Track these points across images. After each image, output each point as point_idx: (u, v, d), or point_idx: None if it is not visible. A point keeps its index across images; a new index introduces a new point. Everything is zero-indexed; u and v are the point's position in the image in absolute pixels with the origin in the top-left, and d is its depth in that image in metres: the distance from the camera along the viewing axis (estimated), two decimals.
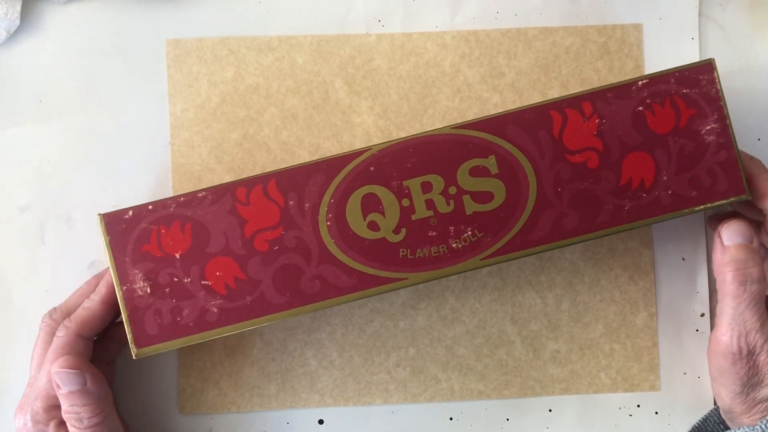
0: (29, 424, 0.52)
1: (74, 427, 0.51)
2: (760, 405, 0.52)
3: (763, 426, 0.51)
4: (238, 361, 0.60)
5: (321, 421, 0.61)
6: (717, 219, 0.60)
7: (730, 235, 0.53)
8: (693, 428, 0.59)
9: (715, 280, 0.60)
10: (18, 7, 0.59)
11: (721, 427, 0.58)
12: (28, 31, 0.60)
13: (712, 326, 0.61)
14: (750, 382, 0.52)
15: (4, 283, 0.60)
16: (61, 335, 0.52)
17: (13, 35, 0.60)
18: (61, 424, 0.52)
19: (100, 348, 0.57)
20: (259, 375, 0.60)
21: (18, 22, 0.59)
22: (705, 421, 0.58)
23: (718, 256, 0.54)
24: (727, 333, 0.52)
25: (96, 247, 0.60)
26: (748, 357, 0.52)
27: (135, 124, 0.60)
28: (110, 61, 0.60)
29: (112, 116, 0.60)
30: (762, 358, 0.52)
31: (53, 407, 0.53)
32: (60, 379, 0.50)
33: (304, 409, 0.61)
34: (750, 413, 0.53)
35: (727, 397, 0.54)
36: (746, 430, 0.51)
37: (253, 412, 0.61)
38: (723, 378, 0.54)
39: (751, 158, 0.53)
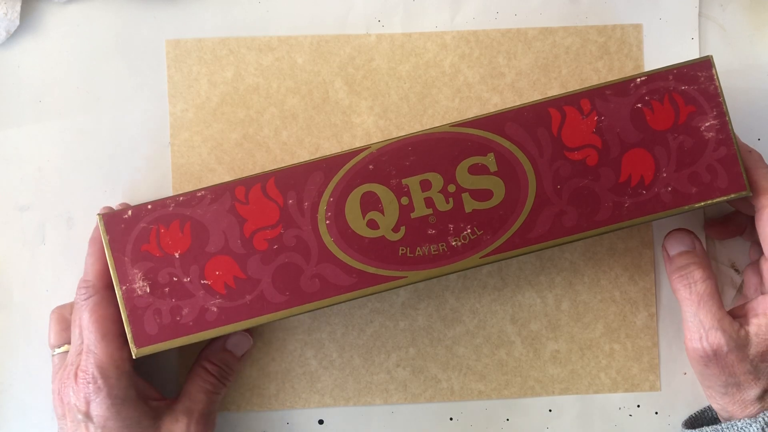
0: (88, 377, 0.52)
1: (210, 382, 0.57)
2: (754, 405, 0.52)
3: (765, 418, 0.51)
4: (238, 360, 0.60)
5: (321, 421, 0.61)
6: (714, 224, 0.60)
7: (672, 245, 0.56)
8: (690, 418, 0.58)
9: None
10: (18, 7, 0.59)
11: (718, 419, 0.58)
12: (28, 31, 0.60)
13: None
14: (729, 383, 0.53)
15: (4, 283, 0.60)
16: (91, 295, 0.53)
17: (13, 35, 0.60)
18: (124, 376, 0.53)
19: None
20: (259, 375, 0.60)
21: (18, 22, 0.59)
22: (702, 412, 0.58)
23: (666, 267, 0.57)
24: (690, 338, 0.54)
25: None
26: (716, 358, 0.52)
27: (135, 124, 0.60)
28: (110, 61, 0.61)
29: (112, 116, 0.60)
30: (730, 357, 0.52)
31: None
32: (236, 343, 0.59)
33: (304, 409, 0.61)
34: (745, 413, 0.53)
35: (719, 400, 0.54)
36: (748, 422, 0.51)
37: (253, 412, 0.61)
38: (706, 382, 0.55)
39: (750, 150, 0.53)
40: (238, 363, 0.59)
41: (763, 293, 0.54)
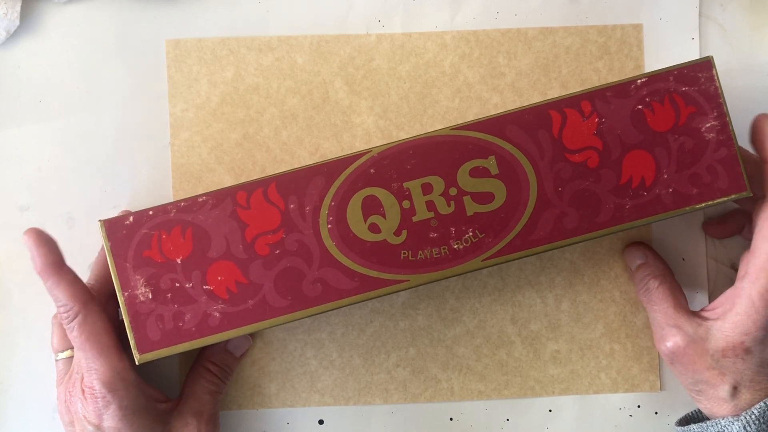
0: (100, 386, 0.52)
1: (214, 383, 0.58)
2: (728, 403, 0.53)
3: (747, 416, 0.51)
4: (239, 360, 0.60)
5: (321, 421, 0.61)
6: (713, 223, 0.60)
7: (631, 260, 0.60)
8: (684, 417, 0.59)
9: (715, 280, 0.61)
10: (18, 7, 0.59)
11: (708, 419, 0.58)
12: (28, 31, 0.60)
13: None
14: (698, 380, 0.53)
15: (4, 284, 0.60)
16: (73, 317, 0.52)
17: (13, 35, 0.60)
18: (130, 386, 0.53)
19: None
20: (259, 374, 0.61)
21: (18, 22, 0.59)
22: (697, 411, 0.59)
23: (632, 280, 0.61)
24: (654, 340, 0.57)
25: (96, 247, 0.60)
26: (676, 355, 0.54)
27: (135, 124, 0.60)
28: (110, 61, 0.60)
29: (112, 116, 0.60)
30: (689, 352, 0.53)
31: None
32: (236, 344, 0.60)
33: (304, 408, 0.61)
34: (723, 412, 0.53)
35: (698, 399, 0.55)
36: (731, 420, 0.52)
37: (253, 411, 0.61)
38: (681, 381, 0.56)
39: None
40: (238, 363, 0.60)
41: (733, 287, 0.54)
